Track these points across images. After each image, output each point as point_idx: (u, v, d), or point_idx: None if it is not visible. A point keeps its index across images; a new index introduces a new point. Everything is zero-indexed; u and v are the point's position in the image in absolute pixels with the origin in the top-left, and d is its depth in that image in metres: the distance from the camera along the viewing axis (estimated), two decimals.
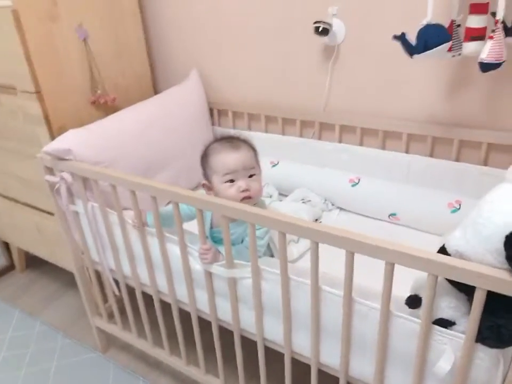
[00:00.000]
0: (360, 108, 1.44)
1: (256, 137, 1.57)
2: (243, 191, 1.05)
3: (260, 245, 1.06)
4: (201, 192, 1.18)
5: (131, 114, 1.41)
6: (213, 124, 1.71)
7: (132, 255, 1.20)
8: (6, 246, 2.00)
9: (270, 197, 1.49)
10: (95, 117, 1.43)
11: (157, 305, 1.24)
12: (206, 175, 1.13)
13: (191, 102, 1.58)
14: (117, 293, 1.34)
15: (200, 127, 1.59)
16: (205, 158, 1.12)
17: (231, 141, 1.11)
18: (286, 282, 0.90)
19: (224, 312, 1.09)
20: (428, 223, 1.30)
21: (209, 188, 1.12)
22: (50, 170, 1.23)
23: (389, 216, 1.37)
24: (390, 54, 1.29)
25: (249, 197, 1.06)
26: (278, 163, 1.58)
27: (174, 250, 1.08)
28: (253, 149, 1.13)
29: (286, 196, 1.54)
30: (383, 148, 1.41)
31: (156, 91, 1.74)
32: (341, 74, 1.43)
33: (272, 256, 1.16)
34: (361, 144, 1.45)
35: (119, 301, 1.38)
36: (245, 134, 1.57)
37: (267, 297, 0.97)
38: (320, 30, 1.31)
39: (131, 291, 1.30)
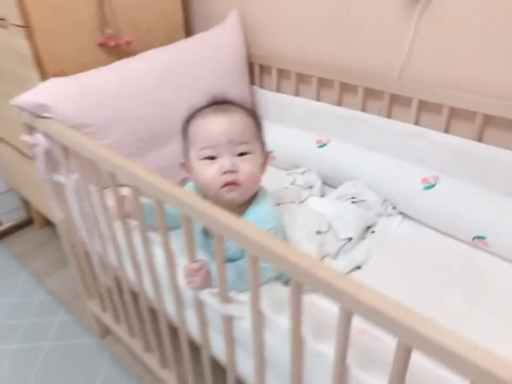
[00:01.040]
0: (453, 79, 1.01)
1: (303, 105, 1.23)
2: (226, 172, 0.74)
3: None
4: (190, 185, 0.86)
5: (142, 62, 1.09)
6: (252, 83, 1.35)
7: (117, 246, 0.93)
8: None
9: (310, 188, 1.13)
10: (103, 63, 1.13)
11: (145, 314, 0.98)
12: (184, 150, 0.83)
13: (226, 52, 1.23)
14: (105, 282, 1.10)
15: (234, 85, 1.25)
16: (184, 125, 0.82)
17: (222, 103, 0.80)
18: (298, 348, 0.58)
19: (219, 348, 0.80)
20: None
21: (188, 168, 0.82)
22: (30, 128, 0.97)
23: (473, 239, 0.97)
24: None
25: (234, 183, 0.75)
26: (327, 143, 1.21)
27: (160, 254, 0.80)
28: (254, 118, 0.80)
29: (333, 187, 1.18)
30: (479, 139, 0.99)
31: (189, 36, 1.40)
32: (433, 27, 1.00)
33: None
34: (446, 130, 1.04)
35: (110, 291, 1.14)
36: (290, 99, 1.21)
37: (272, 352, 0.66)
38: None
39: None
